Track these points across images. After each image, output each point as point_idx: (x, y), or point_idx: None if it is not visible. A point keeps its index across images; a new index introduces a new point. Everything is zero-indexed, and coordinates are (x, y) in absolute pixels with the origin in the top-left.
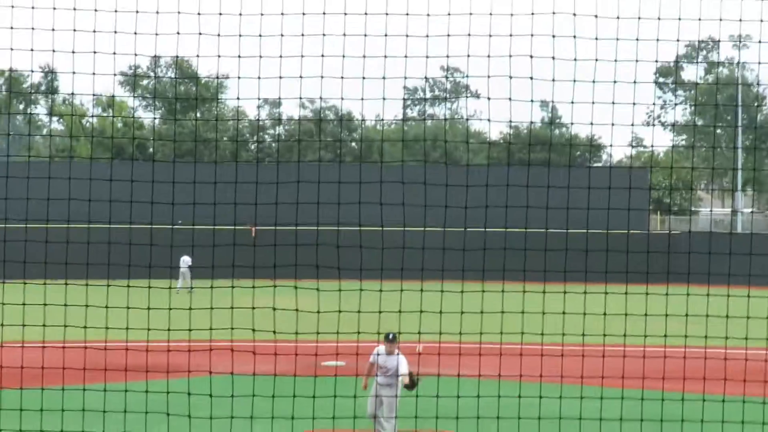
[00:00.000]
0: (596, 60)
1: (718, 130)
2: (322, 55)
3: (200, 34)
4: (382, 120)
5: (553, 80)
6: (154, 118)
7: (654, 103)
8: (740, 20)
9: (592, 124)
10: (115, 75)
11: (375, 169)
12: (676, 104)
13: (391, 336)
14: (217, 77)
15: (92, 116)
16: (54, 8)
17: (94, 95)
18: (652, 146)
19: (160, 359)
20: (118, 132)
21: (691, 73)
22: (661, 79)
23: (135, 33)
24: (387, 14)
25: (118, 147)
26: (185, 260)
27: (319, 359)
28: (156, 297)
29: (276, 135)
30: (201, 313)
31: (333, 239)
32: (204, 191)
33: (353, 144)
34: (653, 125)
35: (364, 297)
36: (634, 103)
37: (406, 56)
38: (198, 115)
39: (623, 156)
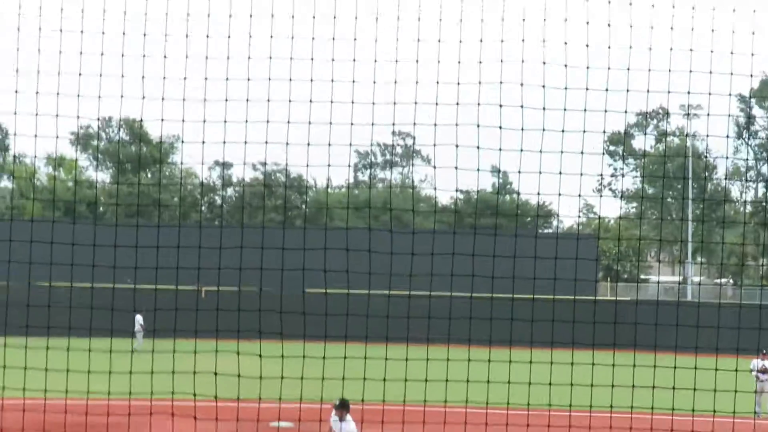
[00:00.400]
0: (543, 130)
1: (669, 199)
2: (277, 121)
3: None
4: (329, 183)
5: (500, 149)
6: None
7: (601, 175)
8: (688, 92)
9: (539, 194)
10: (58, 136)
11: (322, 233)
12: (623, 174)
13: (338, 402)
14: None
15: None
16: None
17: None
18: (599, 215)
19: (100, 420)
20: (68, 191)
21: (641, 142)
22: (611, 148)
23: (99, 96)
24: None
25: (70, 206)
26: (138, 319)
27: (263, 421)
28: (96, 357)
29: (228, 196)
30: (141, 374)
31: (277, 304)
32: (150, 254)
33: (304, 207)
34: (601, 194)
35: (307, 361)
36: (581, 174)
37: (351, 123)
38: (149, 175)
39: (573, 223)
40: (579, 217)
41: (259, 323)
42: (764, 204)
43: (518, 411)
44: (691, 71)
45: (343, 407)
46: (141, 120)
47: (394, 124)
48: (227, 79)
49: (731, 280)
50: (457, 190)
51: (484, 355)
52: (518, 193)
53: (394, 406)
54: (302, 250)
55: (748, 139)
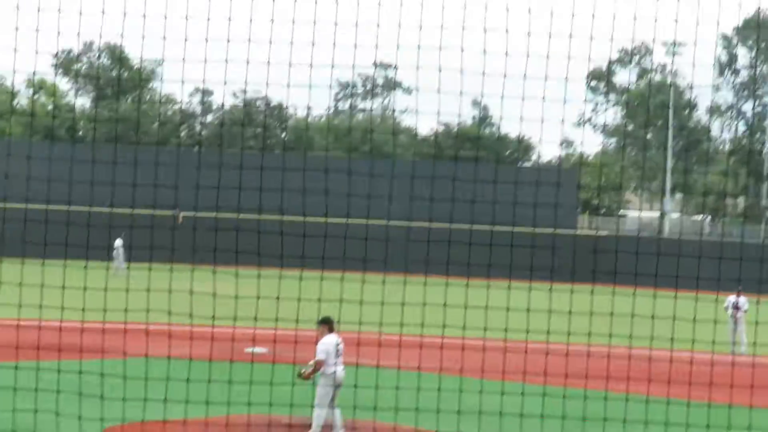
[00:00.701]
0: (527, 56)
1: (648, 135)
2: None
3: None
4: (309, 110)
5: (484, 73)
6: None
7: (585, 103)
8: (676, 22)
9: (521, 119)
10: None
11: (304, 159)
12: (606, 108)
13: (320, 319)
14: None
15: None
16: None
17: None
18: (581, 146)
19: (74, 339)
20: (49, 114)
21: (624, 77)
22: (593, 83)
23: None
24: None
25: (48, 129)
26: (117, 242)
27: (238, 345)
28: (71, 276)
29: (209, 122)
30: (116, 295)
31: (255, 226)
32: (128, 174)
33: (283, 135)
34: (583, 126)
35: (283, 284)
36: (564, 101)
37: (334, 44)
38: (129, 100)
39: (552, 158)
40: (561, 146)
41: (236, 245)
42: (744, 143)
43: (496, 341)
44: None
45: (323, 323)
46: (121, 42)
47: (376, 47)
48: None
49: (709, 217)
50: (438, 118)
51: (463, 282)
52: (500, 119)
53: (371, 333)
54: (281, 170)
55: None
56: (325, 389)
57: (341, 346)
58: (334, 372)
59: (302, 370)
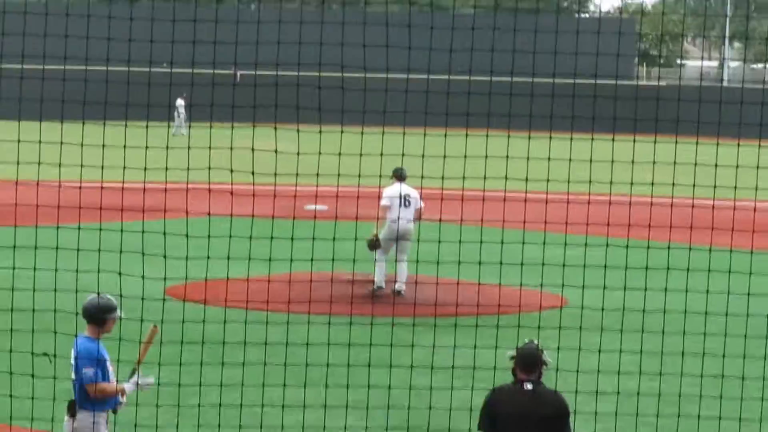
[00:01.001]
0: None
1: None
2: None
3: None
4: None
5: None
6: None
7: None
8: None
9: None
10: None
11: (364, 14)
12: None
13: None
14: None
15: None
16: None
17: None
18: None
19: (136, 200)
20: None
21: None
22: None
23: None
24: None
25: None
26: (179, 101)
27: (299, 202)
28: (132, 137)
29: None
30: (178, 154)
31: (315, 82)
32: (187, 32)
33: None
34: None
35: (344, 140)
36: None
37: None
38: None
39: (610, 8)
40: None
41: (297, 101)
42: None
43: (558, 194)
44: None
45: (393, 173)
46: None
47: None
48: None
49: None
50: None
51: (525, 135)
52: None
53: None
54: (341, 24)
55: None
56: (386, 241)
57: (410, 199)
58: (397, 222)
59: (373, 235)
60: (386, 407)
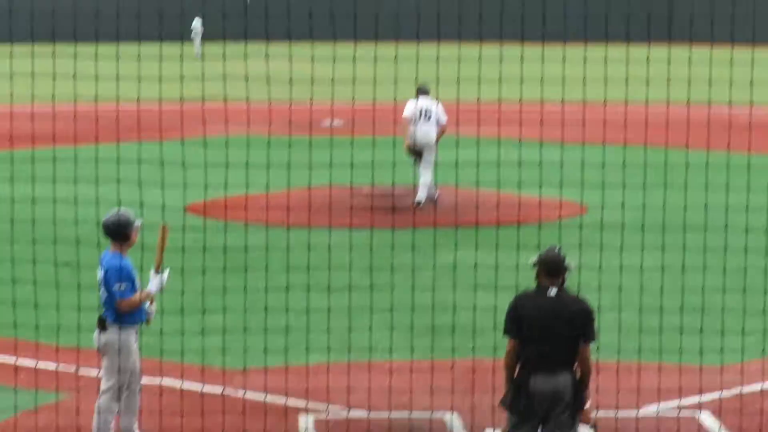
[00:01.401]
0: None
1: None
2: None
3: None
4: None
5: None
6: None
7: None
8: None
9: None
10: None
11: None
12: None
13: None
14: None
15: None
16: None
17: None
18: None
19: (152, 119)
20: None
21: None
22: None
23: None
24: None
25: None
26: (196, 22)
27: (315, 118)
28: (146, 54)
29: None
30: (194, 74)
31: None
32: None
33: None
34: None
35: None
36: None
37: None
38: None
39: None
40: None
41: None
42: None
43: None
44: None
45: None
46: None
47: None
48: None
49: None
50: None
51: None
52: None
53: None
54: None
55: None
56: (409, 153)
57: (430, 111)
58: (414, 132)
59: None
60: (411, 309)
